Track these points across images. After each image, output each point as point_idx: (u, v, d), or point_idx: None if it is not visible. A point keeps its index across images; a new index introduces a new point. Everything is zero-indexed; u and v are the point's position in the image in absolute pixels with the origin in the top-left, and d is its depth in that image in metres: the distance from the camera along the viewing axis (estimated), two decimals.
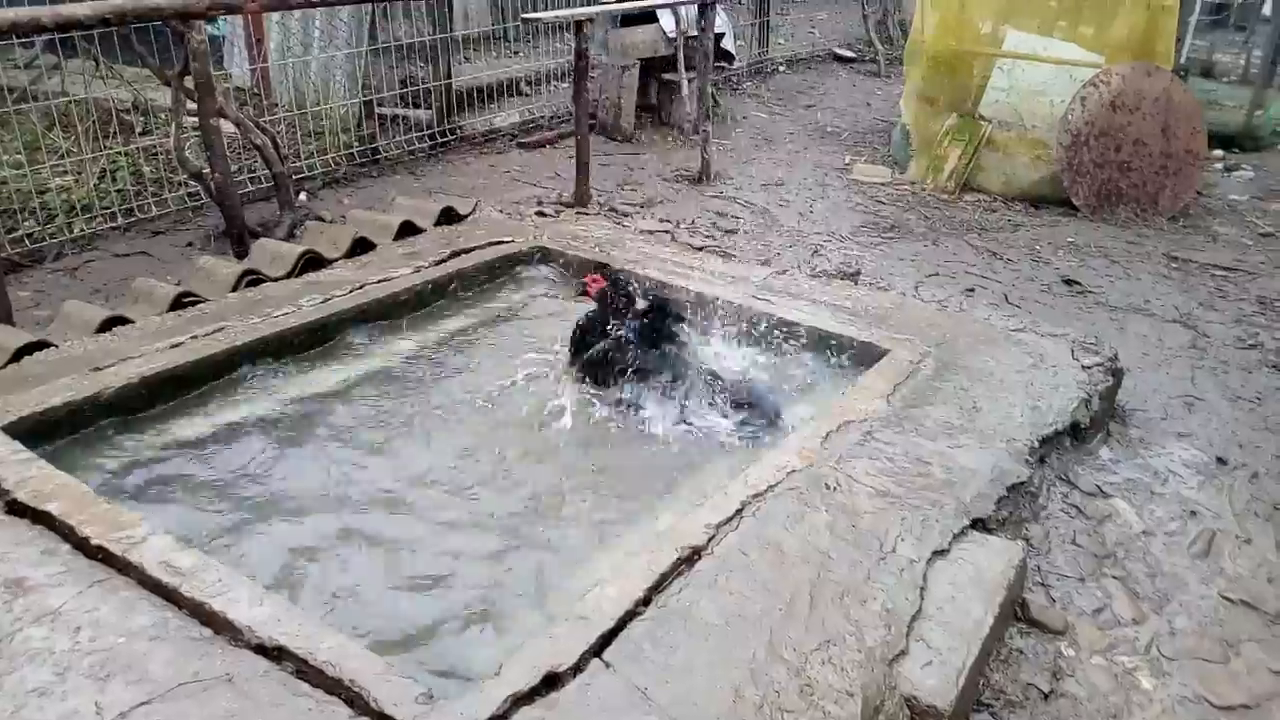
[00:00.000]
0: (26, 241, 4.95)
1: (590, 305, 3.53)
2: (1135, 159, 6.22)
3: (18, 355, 3.22)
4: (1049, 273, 5.27)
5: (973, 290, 4.96)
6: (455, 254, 4.26)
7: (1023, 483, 2.87)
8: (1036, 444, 3.03)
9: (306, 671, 1.96)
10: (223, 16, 6.32)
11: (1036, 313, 4.63)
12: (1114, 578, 2.77)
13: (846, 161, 7.39)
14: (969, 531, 2.56)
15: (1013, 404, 3.20)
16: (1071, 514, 3.01)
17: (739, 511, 2.52)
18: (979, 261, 5.43)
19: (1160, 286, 5.10)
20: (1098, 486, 3.17)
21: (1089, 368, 3.47)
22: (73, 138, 5.76)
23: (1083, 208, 6.20)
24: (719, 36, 7.74)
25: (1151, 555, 2.88)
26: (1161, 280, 5.19)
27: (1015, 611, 2.55)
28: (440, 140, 7.09)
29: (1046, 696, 2.34)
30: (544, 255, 4.46)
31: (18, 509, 2.42)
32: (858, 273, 4.67)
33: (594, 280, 3.48)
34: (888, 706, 2.02)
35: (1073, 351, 3.57)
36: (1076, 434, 3.28)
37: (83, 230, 5.19)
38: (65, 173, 5.59)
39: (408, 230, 4.52)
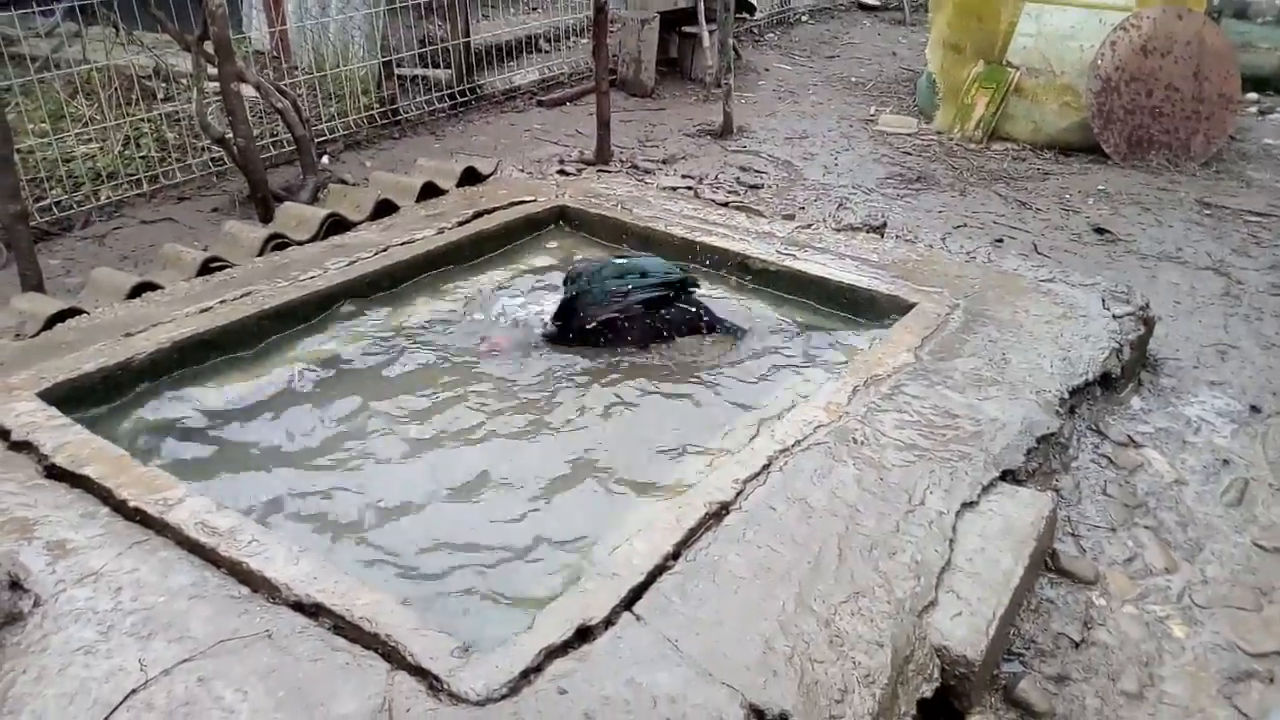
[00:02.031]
0: (55, 210, 5.00)
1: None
2: (1167, 104, 6.10)
3: (50, 322, 3.26)
4: (1079, 221, 5.20)
5: (1001, 241, 4.91)
6: (478, 214, 4.25)
7: (1053, 434, 2.85)
8: (1066, 395, 3.01)
9: (343, 627, 2.00)
10: None
11: (1066, 262, 4.57)
12: (1145, 527, 2.76)
13: (872, 112, 7.29)
14: (998, 483, 2.56)
15: (1042, 355, 3.17)
16: (1102, 464, 3.00)
17: (766, 466, 2.52)
18: (1008, 211, 5.36)
19: (1193, 233, 5.02)
20: (1129, 436, 3.15)
21: (1120, 317, 3.43)
22: (96, 105, 5.77)
23: (1113, 155, 6.10)
24: None
25: (1183, 504, 2.86)
26: (1194, 227, 5.11)
27: (1045, 562, 2.55)
28: (460, 100, 7.06)
29: (1077, 645, 2.34)
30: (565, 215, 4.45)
31: (56, 473, 2.47)
32: (884, 225, 4.62)
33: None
34: (918, 656, 2.03)
35: (1103, 301, 3.53)
36: (1107, 384, 3.26)
37: (109, 198, 5.23)
38: (90, 140, 5.62)
39: (430, 191, 4.52)
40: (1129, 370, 3.37)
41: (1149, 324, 3.54)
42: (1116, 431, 3.15)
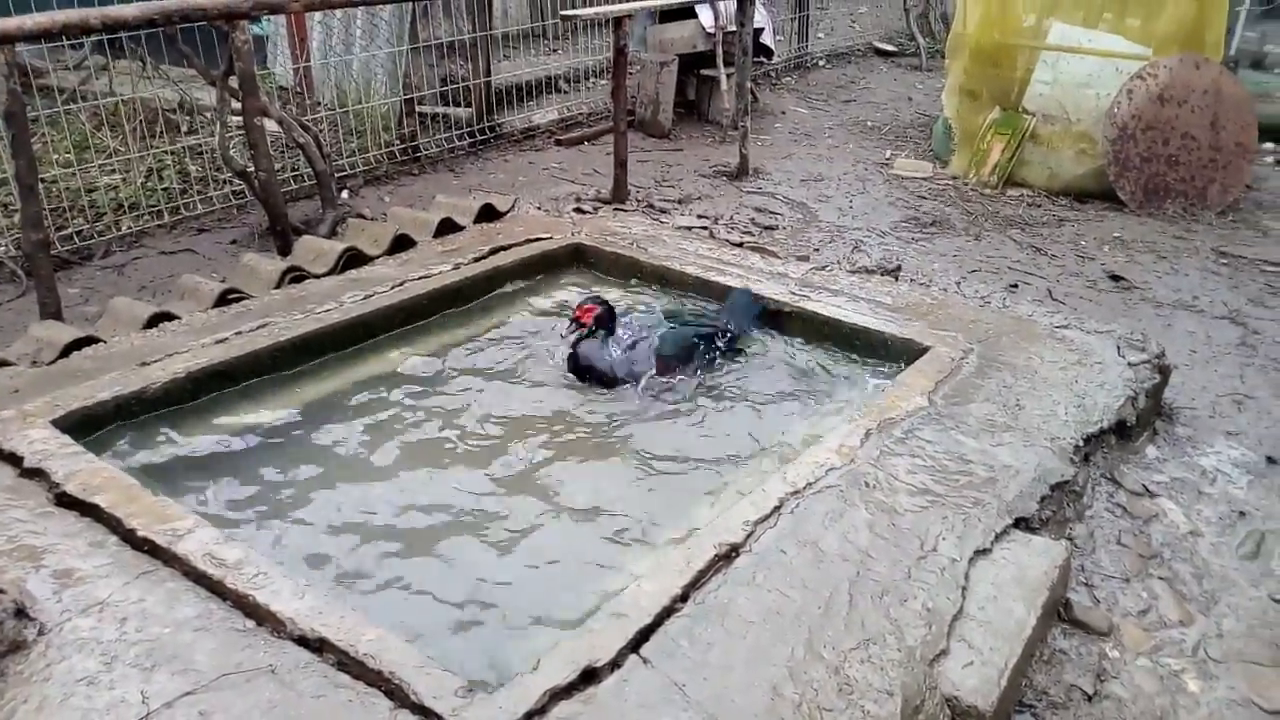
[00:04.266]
0: (76, 239, 5.05)
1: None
2: (1183, 153, 6.10)
3: (67, 350, 3.28)
4: (1094, 268, 5.19)
5: (1016, 286, 4.90)
6: (495, 250, 4.28)
7: (1067, 481, 2.83)
8: (1081, 442, 2.98)
9: (348, 664, 1.99)
10: (266, 16, 6.41)
11: (1081, 309, 4.56)
12: (1160, 578, 2.72)
13: (887, 156, 7.32)
14: (1011, 531, 2.53)
15: (1057, 401, 3.15)
16: (1117, 513, 2.97)
17: (777, 509, 2.51)
18: (1022, 257, 5.36)
19: (1209, 282, 5.00)
20: (1144, 486, 3.11)
21: (1135, 365, 3.41)
22: (120, 137, 5.86)
23: (1129, 202, 6.10)
24: (758, 31, 7.70)
25: (1199, 556, 2.82)
26: (1210, 276, 5.09)
27: (1059, 612, 2.52)
28: (480, 138, 7.13)
29: (1090, 698, 2.30)
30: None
31: (67, 501, 2.47)
32: (898, 268, 4.62)
33: (587, 310, 3.55)
34: (928, 706, 2.00)
35: (1119, 348, 3.51)
36: (1122, 432, 3.23)
37: (130, 228, 5.28)
38: (113, 171, 5.69)
39: (448, 227, 4.55)
40: (1144, 419, 3.35)
41: (1165, 372, 3.52)
42: (1131, 480, 3.12)
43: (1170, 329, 4.43)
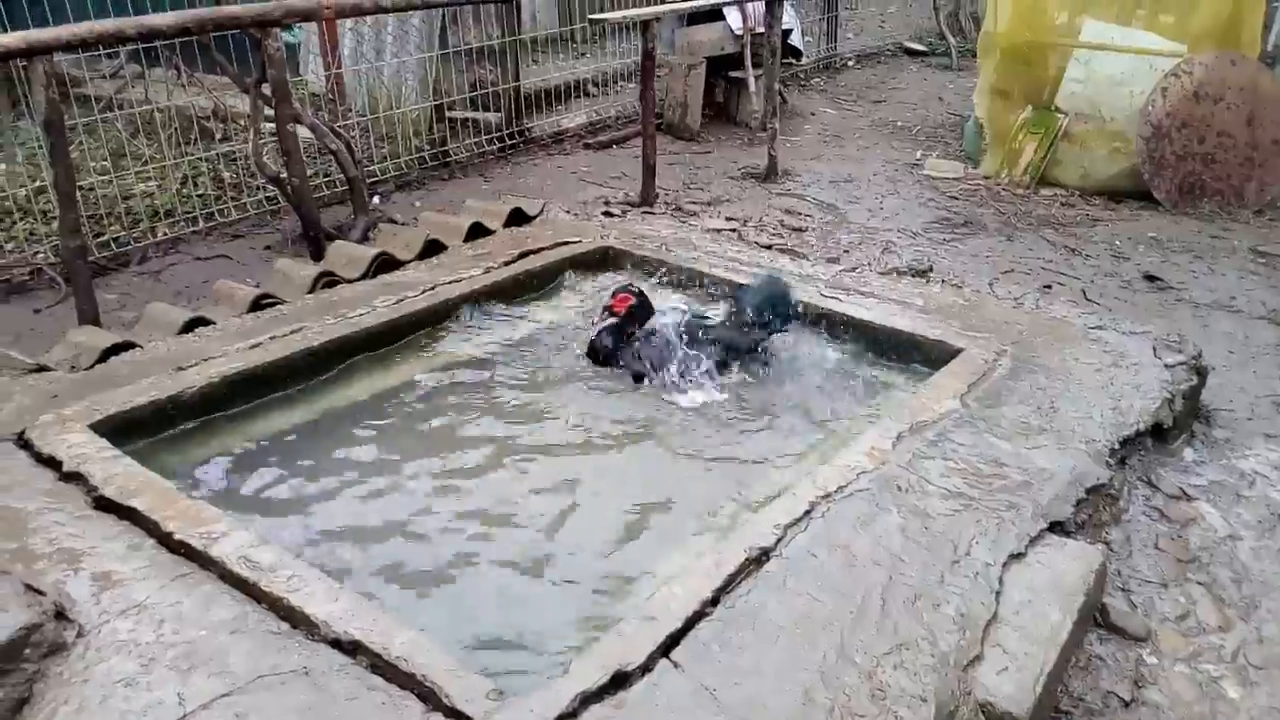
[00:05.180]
0: (113, 246, 5.12)
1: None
2: (1219, 150, 6.02)
3: (105, 356, 3.33)
4: (1129, 268, 5.13)
5: (1050, 287, 4.85)
6: (524, 254, 4.30)
7: (1102, 485, 2.79)
8: (1117, 445, 2.95)
9: (381, 666, 2.00)
10: (298, 24, 6.48)
11: (1116, 310, 4.51)
12: (1198, 583, 2.69)
13: (918, 157, 7.28)
14: (1046, 535, 2.50)
15: (1092, 404, 3.11)
16: (1154, 517, 2.93)
17: (808, 512, 2.49)
18: (1056, 257, 5.30)
19: (1246, 282, 4.93)
20: (1181, 489, 3.07)
21: (1172, 366, 3.37)
22: (156, 145, 5.94)
23: (1164, 201, 6.02)
24: (786, 32, 7.68)
25: (1238, 560, 2.78)
26: (1248, 275, 5.01)
27: (1095, 617, 2.49)
28: (509, 142, 7.16)
29: (1127, 705, 2.27)
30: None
31: (105, 504, 2.50)
32: (930, 269, 4.59)
33: (621, 300, 3.58)
34: (962, 712, 1.98)
35: (1155, 349, 3.47)
36: (1159, 435, 3.19)
37: (166, 234, 5.35)
38: (149, 179, 5.77)
39: (478, 232, 4.57)
40: (1181, 421, 3.30)
41: (1202, 374, 3.46)
42: (1168, 484, 3.08)
43: (1207, 330, 4.36)
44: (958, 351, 3.42)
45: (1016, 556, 2.40)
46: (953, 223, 5.85)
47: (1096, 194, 6.32)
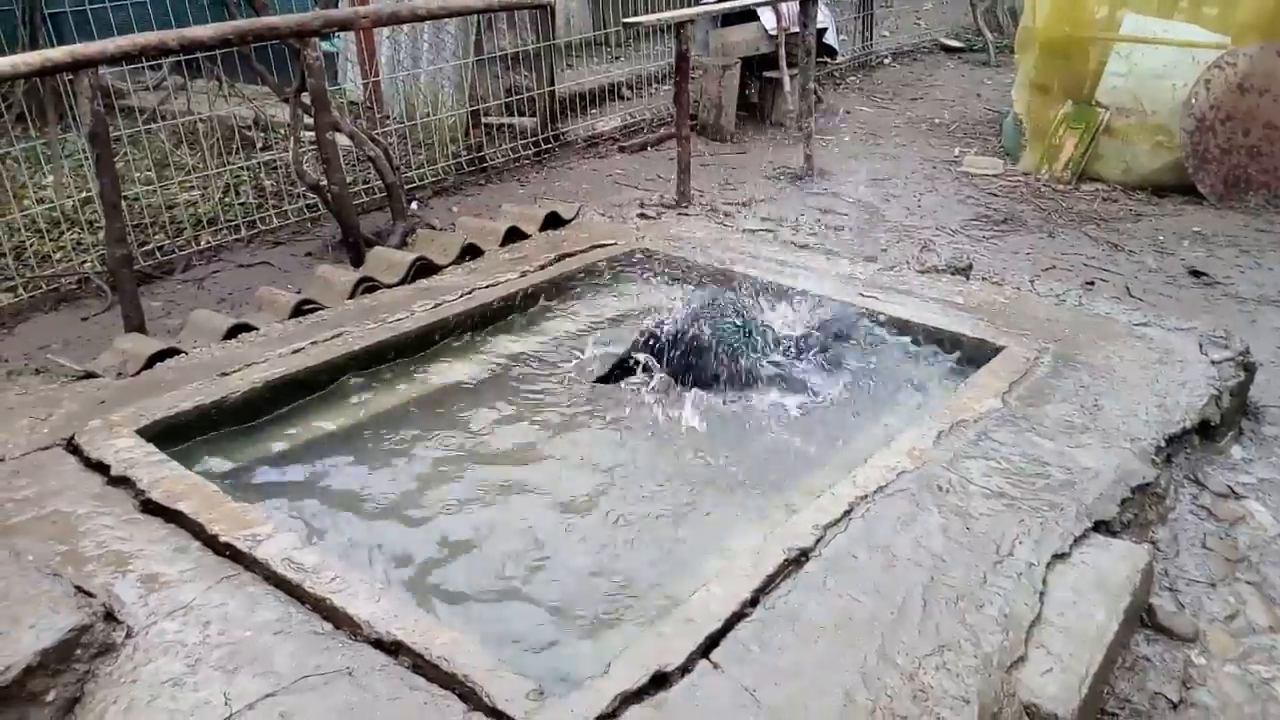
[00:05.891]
0: (158, 254, 5.22)
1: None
2: (1265, 143, 5.90)
3: (151, 362, 3.39)
4: (1174, 264, 5.04)
5: (1092, 283, 4.78)
6: (560, 257, 4.31)
7: (1148, 484, 2.74)
8: (1163, 443, 2.90)
9: (422, 666, 2.02)
10: (336, 33, 6.55)
11: (1161, 306, 4.43)
12: (1248, 583, 2.63)
13: (956, 154, 7.21)
14: (1091, 534, 2.46)
15: (1137, 401, 3.06)
16: (1201, 516, 2.88)
17: (847, 513, 2.48)
18: (1098, 253, 5.23)
19: None
20: (1229, 487, 3.01)
21: (1219, 363, 3.30)
22: (198, 154, 6.04)
23: (1209, 195, 5.91)
24: (821, 31, 7.64)
25: None
26: None
27: (1141, 617, 2.45)
28: (544, 147, 7.19)
29: (1175, 706, 2.23)
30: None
31: (152, 508, 2.55)
32: (969, 267, 4.54)
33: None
34: (1006, 714, 1.96)
35: (1201, 346, 3.41)
36: (1206, 432, 3.13)
37: (209, 242, 5.44)
38: (192, 188, 5.87)
39: (514, 236, 4.60)
40: (1229, 418, 3.24)
41: (1250, 370, 3.40)
42: (1216, 482, 3.02)
43: (1255, 325, 4.28)
44: (999, 349, 3.38)
45: (1060, 556, 2.36)
46: (992, 219, 5.79)
47: (1139, 188, 6.21)
